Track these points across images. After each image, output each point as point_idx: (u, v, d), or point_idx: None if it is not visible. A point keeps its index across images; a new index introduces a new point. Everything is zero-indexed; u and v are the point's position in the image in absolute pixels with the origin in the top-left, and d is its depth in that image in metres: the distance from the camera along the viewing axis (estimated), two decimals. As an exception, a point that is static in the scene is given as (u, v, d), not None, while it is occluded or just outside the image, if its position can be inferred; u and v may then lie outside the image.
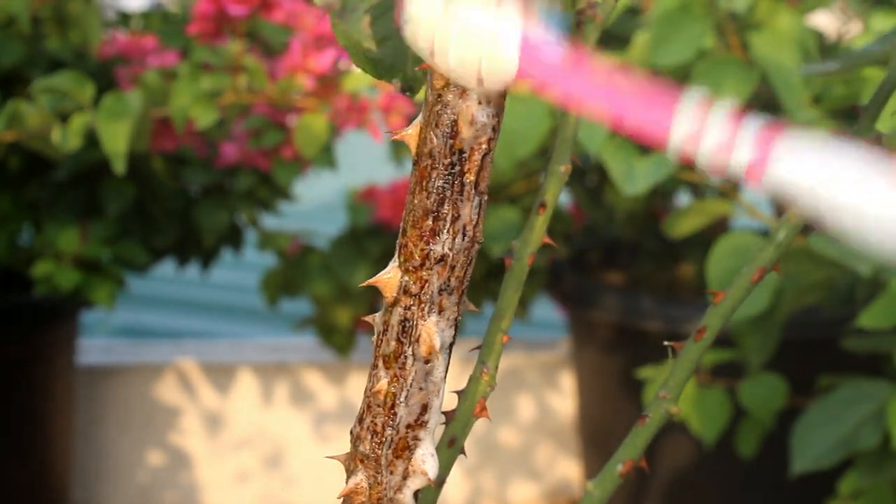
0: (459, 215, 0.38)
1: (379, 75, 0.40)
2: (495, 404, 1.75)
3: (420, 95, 0.39)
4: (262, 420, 1.73)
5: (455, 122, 0.37)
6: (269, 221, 1.62)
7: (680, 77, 1.35)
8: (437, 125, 0.37)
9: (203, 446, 1.72)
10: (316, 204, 2.57)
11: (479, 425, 1.75)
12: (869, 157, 0.32)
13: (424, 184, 0.38)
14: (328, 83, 1.37)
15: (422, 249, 0.39)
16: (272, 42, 1.45)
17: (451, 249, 0.39)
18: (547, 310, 1.86)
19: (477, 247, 0.39)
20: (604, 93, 0.34)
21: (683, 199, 1.61)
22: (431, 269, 0.39)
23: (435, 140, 0.37)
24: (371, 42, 0.42)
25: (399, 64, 0.39)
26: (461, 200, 0.38)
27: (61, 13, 1.43)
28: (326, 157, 1.39)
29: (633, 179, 1.22)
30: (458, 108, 0.37)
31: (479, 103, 0.37)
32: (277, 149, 1.40)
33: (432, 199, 0.38)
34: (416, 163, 0.38)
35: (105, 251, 1.41)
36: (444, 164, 0.37)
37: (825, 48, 1.41)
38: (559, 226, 1.55)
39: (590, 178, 1.55)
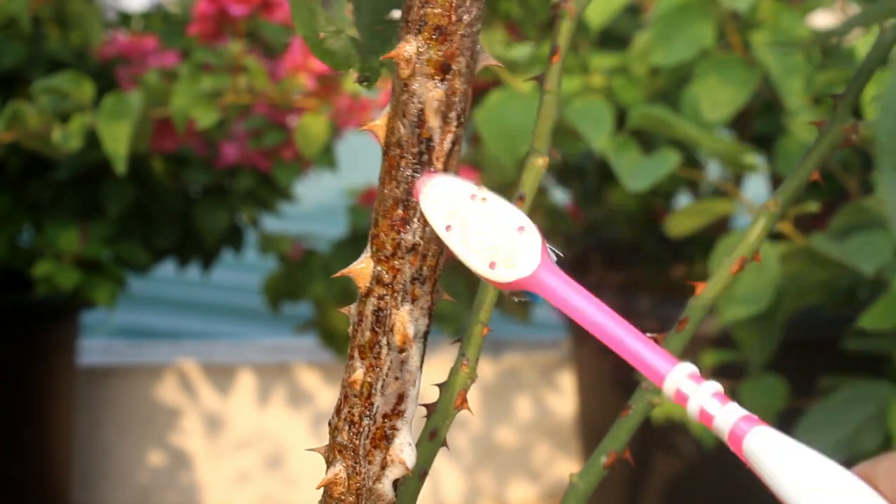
0: (429, 204, 0.38)
1: (336, 66, 0.40)
2: (494, 404, 1.75)
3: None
4: (262, 420, 1.73)
5: (422, 112, 0.37)
6: (269, 222, 1.62)
7: (681, 76, 1.35)
8: (404, 115, 0.37)
9: (203, 447, 1.72)
10: (316, 204, 2.57)
11: (478, 425, 1.75)
12: (841, 475, 0.34)
13: (393, 173, 0.38)
14: (329, 83, 1.37)
15: (393, 239, 0.39)
16: (273, 42, 1.45)
17: (421, 238, 0.39)
18: (547, 310, 1.86)
19: (449, 235, 0.39)
20: (608, 319, 0.38)
21: (683, 199, 1.60)
22: (403, 259, 0.39)
23: (402, 129, 0.37)
24: (353, 29, 0.42)
25: (356, 55, 0.39)
26: (430, 189, 0.38)
27: (62, 13, 1.44)
28: (327, 157, 1.39)
29: (637, 176, 1.22)
30: (425, 98, 0.36)
31: (446, 92, 0.36)
32: (278, 149, 1.40)
33: (401, 189, 0.38)
34: (385, 153, 0.38)
35: (105, 251, 1.41)
36: (412, 154, 0.37)
37: (826, 48, 1.40)
38: (559, 226, 1.54)
39: (589, 178, 1.55)
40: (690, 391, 0.36)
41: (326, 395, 1.75)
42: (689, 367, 0.37)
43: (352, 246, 1.52)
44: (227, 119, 1.36)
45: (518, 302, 0.42)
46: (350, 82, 1.35)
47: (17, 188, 1.46)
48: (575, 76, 1.36)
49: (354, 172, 1.69)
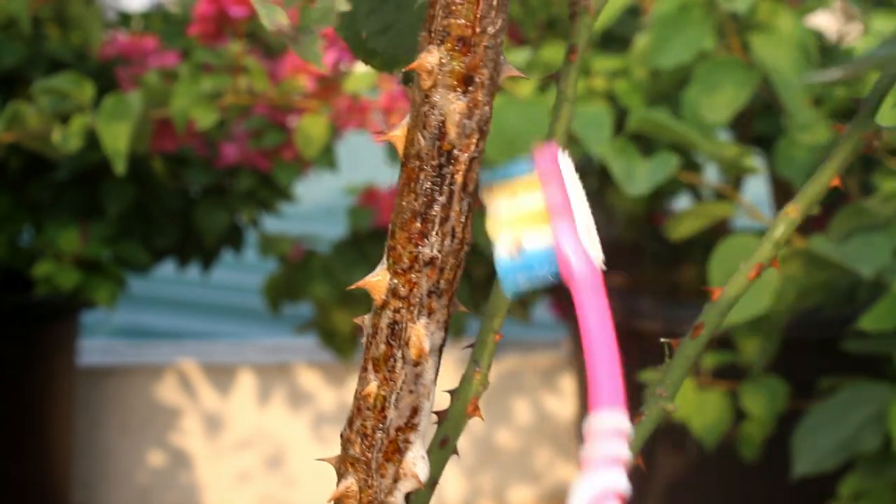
0: (448, 217, 0.38)
1: (379, 67, 0.39)
2: (494, 406, 1.75)
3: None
4: (262, 421, 1.73)
5: (443, 124, 0.37)
6: (269, 223, 1.62)
7: (681, 78, 1.35)
8: (424, 126, 0.37)
9: (203, 447, 1.72)
10: (316, 204, 2.57)
11: (478, 427, 1.75)
12: None
13: (412, 185, 0.38)
14: (329, 84, 1.37)
15: (410, 252, 0.39)
16: (273, 43, 1.45)
17: (439, 252, 0.38)
18: (547, 310, 1.86)
19: (466, 248, 0.39)
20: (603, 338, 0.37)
21: (684, 201, 1.60)
22: (420, 272, 0.39)
23: (422, 141, 0.37)
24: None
25: (399, 56, 0.39)
26: (449, 202, 0.38)
27: (62, 14, 1.43)
28: (327, 158, 1.39)
29: (635, 180, 1.22)
30: (446, 110, 0.36)
31: (468, 105, 0.36)
32: (278, 149, 1.40)
33: (420, 201, 0.38)
34: (403, 164, 0.38)
35: (105, 251, 1.41)
36: (431, 166, 0.37)
37: (825, 49, 1.40)
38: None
39: (590, 180, 1.55)
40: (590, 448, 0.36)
41: (327, 396, 1.75)
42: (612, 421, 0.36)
43: (352, 247, 1.52)
44: (227, 119, 1.36)
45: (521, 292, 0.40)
46: (350, 84, 1.35)
47: (17, 188, 1.45)
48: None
49: (354, 172, 1.68)
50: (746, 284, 0.49)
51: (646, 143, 1.34)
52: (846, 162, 0.46)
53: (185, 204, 1.49)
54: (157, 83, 1.29)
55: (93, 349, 1.75)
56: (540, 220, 0.37)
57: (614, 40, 1.47)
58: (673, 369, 0.51)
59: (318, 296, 1.51)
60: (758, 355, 1.25)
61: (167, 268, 1.61)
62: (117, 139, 1.21)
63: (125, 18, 1.58)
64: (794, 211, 0.48)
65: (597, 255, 0.38)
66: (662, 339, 0.51)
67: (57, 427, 1.58)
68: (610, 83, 1.36)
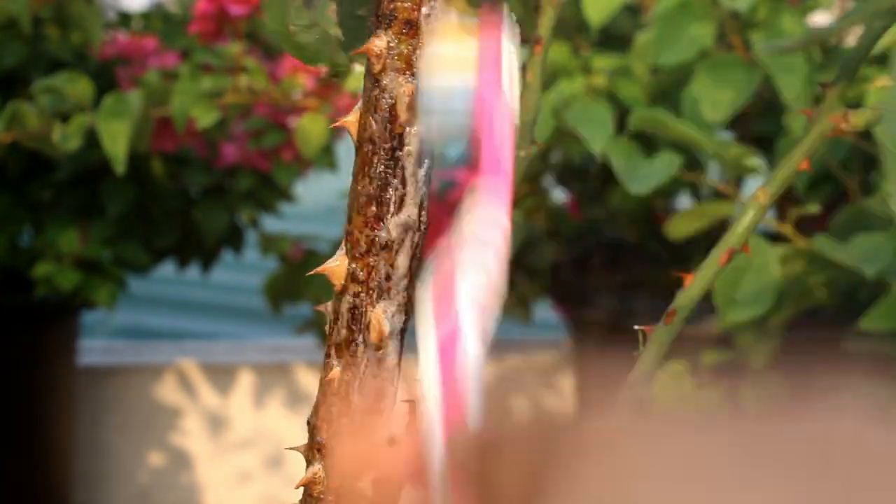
0: (403, 200, 0.38)
1: (306, 60, 0.40)
2: (492, 405, 1.75)
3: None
4: (262, 421, 1.73)
5: (393, 107, 0.37)
6: (269, 223, 1.62)
7: (681, 76, 1.34)
8: (375, 110, 0.37)
9: (204, 447, 1.72)
10: (316, 204, 2.57)
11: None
12: None
13: (367, 170, 0.38)
14: (329, 83, 1.37)
15: (367, 236, 0.39)
16: (273, 42, 1.45)
17: (396, 235, 0.38)
18: (547, 310, 1.86)
19: (423, 230, 0.39)
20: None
21: (684, 200, 1.60)
22: (378, 256, 0.39)
23: (374, 125, 0.37)
24: (336, 28, 0.42)
25: (327, 49, 0.39)
26: (403, 185, 0.38)
27: (62, 14, 1.44)
28: (327, 158, 1.39)
29: (638, 179, 1.22)
30: (396, 93, 0.36)
31: (418, 87, 0.36)
32: (278, 149, 1.40)
33: (375, 185, 0.38)
34: (358, 149, 0.38)
35: (105, 252, 1.42)
36: (384, 150, 0.37)
37: (826, 48, 1.40)
38: (560, 226, 1.54)
39: (591, 179, 1.55)
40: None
41: (327, 396, 1.75)
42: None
43: (352, 246, 1.52)
44: (227, 119, 1.37)
45: None
46: (350, 82, 1.35)
47: (17, 188, 1.46)
48: (577, 78, 1.35)
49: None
50: (718, 270, 0.48)
51: (647, 141, 1.34)
52: (815, 145, 0.46)
53: (184, 204, 1.50)
54: (157, 83, 1.30)
55: (93, 349, 1.75)
56: (468, 66, 0.34)
57: (614, 39, 1.46)
58: (646, 356, 0.50)
59: (318, 295, 1.51)
60: (758, 354, 1.25)
61: (167, 268, 1.61)
62: (117, 138, 1.21)
63: (125, 18, 1.58)
64: (763, 196, 0.47)
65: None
66: (637, 327, 0.51)
67: (57, 427, 1.58)
68: (610, 82, 1.35)
